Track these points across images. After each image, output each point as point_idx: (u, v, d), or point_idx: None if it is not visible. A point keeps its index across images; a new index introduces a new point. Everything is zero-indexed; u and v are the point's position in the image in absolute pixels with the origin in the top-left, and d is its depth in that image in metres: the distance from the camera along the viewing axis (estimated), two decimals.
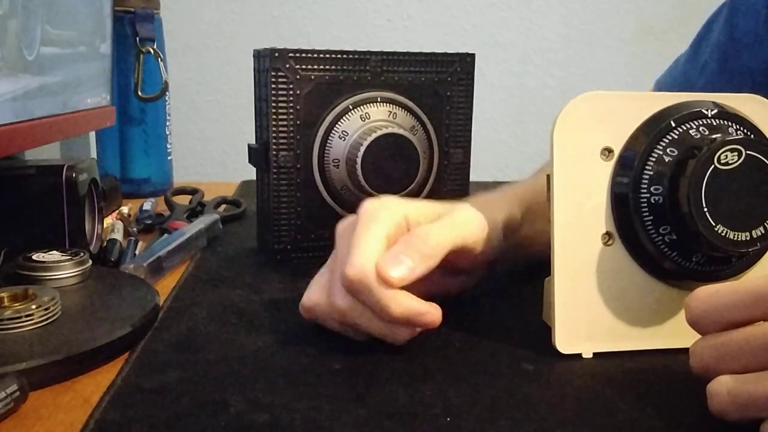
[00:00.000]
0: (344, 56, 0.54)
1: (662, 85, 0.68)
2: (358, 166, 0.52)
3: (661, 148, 0.37)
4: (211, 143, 1.20)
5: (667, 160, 0.37)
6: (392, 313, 0.37)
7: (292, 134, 0.54)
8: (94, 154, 0.94)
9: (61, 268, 0.45)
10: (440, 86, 0.56)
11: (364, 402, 0.33)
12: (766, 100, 0.40)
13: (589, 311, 0.39)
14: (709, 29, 0.64)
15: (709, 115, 0.38)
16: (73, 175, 0.52)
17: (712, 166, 0.35)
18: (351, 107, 0.54)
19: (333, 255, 0.41)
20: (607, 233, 0.39)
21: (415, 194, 0.55)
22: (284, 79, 0.53)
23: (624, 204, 0.38)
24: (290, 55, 0.53)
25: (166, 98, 0.88)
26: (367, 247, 0.38)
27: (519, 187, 0.52)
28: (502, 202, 0.48)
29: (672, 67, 0.69)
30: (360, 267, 0.37)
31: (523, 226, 0.49)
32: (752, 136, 0.38)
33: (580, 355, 0.39)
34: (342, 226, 0.42)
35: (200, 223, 0.62)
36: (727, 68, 0.60)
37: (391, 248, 0.38)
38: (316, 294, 0.41)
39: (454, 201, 0.45)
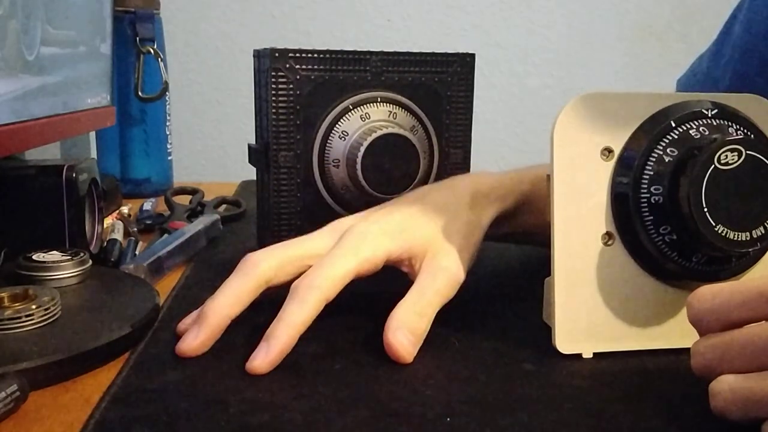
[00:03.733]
0: (344, 56, 0.54)
1: (685, 85, 0.67)
2: (358, 166, 0.52)
3: (661, 148, 0.37)
4: (211, 143, 1.20)
5: (667, 160, 0.37)
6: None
7: (292, 134, 0.54)
8: (94, 154, 0.94)
9: (61, 268, 0.45)
10: (440, 86, 0.56)
11: (364, 402, 0.33)
12: (766, 100, 0.40)
13: (589, 311, 0.39)
14: (731, 25, 0.63)
15: (709, 115, 0.38)
16: (73, 175, 0.52)
17: (712, 166, 0.35)
18: (351, 107, 0.54)
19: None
20: (607, 233, 0.39)
21: None
22: (284, 79, 0.53)
23: (624, 204, 0.38)
24: (290, 55, 0.53)
25: (166, 98, 0.88)
26: (339, 271, 0.39)
27: (523, 174, 0.51)
28: (500, 190, 0.48)
29: (695, 65, 0.68)
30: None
31: (516, 217, 0.49)
32: (752, 136, 0.38)
33: (580, 355, 0.39)
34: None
35: (200, 223, 0.62)
36: (747, 63, 0.59)
37: None
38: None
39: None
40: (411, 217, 0.44)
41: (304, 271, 0.40)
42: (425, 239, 0.42)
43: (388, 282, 0.42)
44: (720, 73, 0.63)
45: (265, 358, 0.36)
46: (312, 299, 0.38)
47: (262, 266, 0.40)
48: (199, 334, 0.38)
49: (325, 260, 0.40)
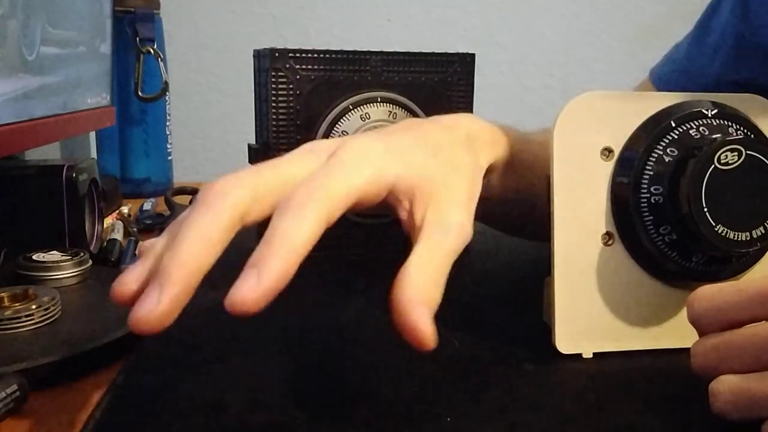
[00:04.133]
0: (344, 56, 0.54)
1: (662, 74, 0.66)
2: None
3: (661, 148, 0.37)
4: (211, 143, 1.20)
5: (667, 160, 0.37)
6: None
7: (292, 134, 0.54)
8: (94, 154, 0.94)
9: (61, 268, 0.45)
10: (440, 86, 0.56)
11: (365, 402, 0.33)
12: (766, 100, 0.40)
13: (589, 311, 0.39)
14: (714, 11, 0.63)
15: (709, 115, 0.38)
16: (73, 175, 0.52)
17: (712, 166, 0.35)
18: (351, 107, 0.54)
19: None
20: (607, 233, 0.39)
21: None
22: (284, 79, 0.53)
23: (624, 204, 0.38)
24: (290, 55, 0.53)
25: (166, 98, 0.88)
26: (342, 185, 0.29)
27: (509, 130, 0.45)
28: (492, 135, 0.42)
29: (671, 54, 0.67)
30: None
31: (498, 173, 0.44)
32: (752, 136, 0.38)
33: (580, 355, 0.39)
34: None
35: None
36: (743, 51, 0.59)
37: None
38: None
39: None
40: (414, 146, 0.34)
41: None
42: (430, 178, 0.33)
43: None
44: (707, 60, 0.62)
45: (256, 288, 0.26)
46: (311, 213, 0.28)
47: (233, 196, 0.29)
48: (162, 297, 0.26)
49: (319, 173, 0.30)
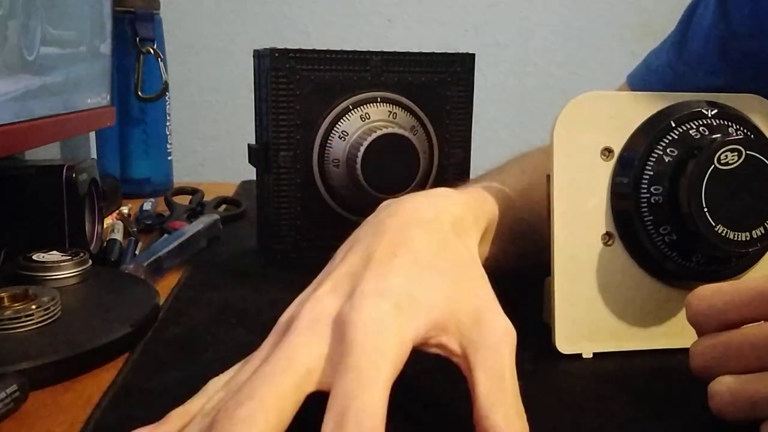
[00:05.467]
0: (344, 56, 0.54)
1: (641, 82, 0.64)
2: (358, 166, 0.52)
3: (661, 148, 0.37)
4: (211, 143, 1.20)
5: (667, 160, 0.37)
6: None
7: (292, 134, 0.54)
8: (94, 154, 0.94)
9: (61, 268, 0.45)
10: (440, 86, 0.56)
11: None
12: (766, 100, 0.40)
13: (589, 311, 0.39)
14: (691, 18, 0.62)
15: (709, 115, 0.38)
16: (73, 175, 0.52)
17: (712, 166, 0.35)
18: (351, 107, 0.54)
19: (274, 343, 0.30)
20: (607, 233, 0.39)
21: None
22: (284, 79, 0.53)
23: (624, 204, 0.38)
24: (290, 55, 0.53)
25: (166, 98, 0.88)
26: (377, 394, 0.26)
27: (483, 191, 0.42)
28: (473, 212, 0.39)
29: (648, 61, 0.65)
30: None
31: (483, 245, 0.40)
32: (752, 136, 0.38)
33: (580, 355, 0.39)
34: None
35: (200, 223, 0.62)
36: (726, 58, 0.58)
37: None
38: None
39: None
40: (414, 279, 0.31)
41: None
42: (446, 303, 0.30)
43: None
44: (689, 69, 0.60)
45: None
46: None
47: (259, 424, 0.25)
48: None
49: (349, 381, 0.26)
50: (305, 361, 0.27)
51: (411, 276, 0.31)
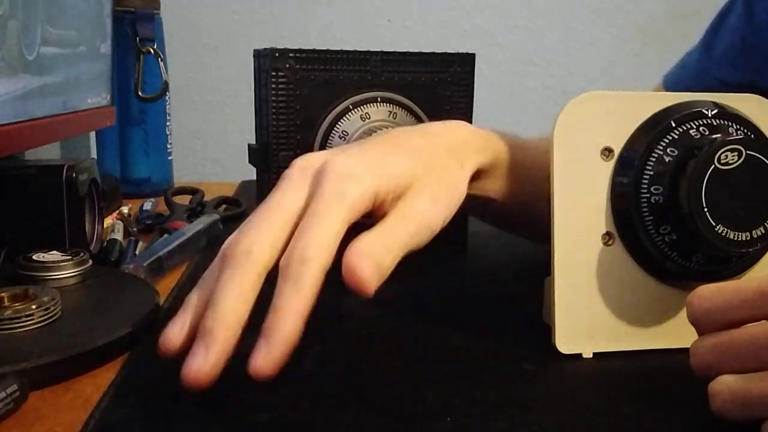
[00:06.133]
0: (344, 56, 0.54)
1: (674, 80, 0.67)
2: None
3: (661, 148, 0.37)
4: (211, 143, 1.20)
5: (667, 160, 0.37)
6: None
7: (292, 134, 0.54)
8: (94, 154, 0.94)
9: (61, 268, 0.45)
10: (440, 86, 0.56)
11: (364, 402, 0.33)
12: (766, 100, 0.40)
13: (589, 311, 0.39)
14: (722, 20, 0.64)
15: (709, 115, 0.38)
16: (73, 175, 0.52)
17: (712, 166, 0.35)
18: (351, 107, 0.54)
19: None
20: (607, 233, 0.39)
21: None
22: (284, 79, 0.53)
23: (624, 204, 0.38)
24: (290, 55, 0.53)
25: (166, 98, 0.88)
26: (329, 231, 0.32)
27: (500, 135, 0.47)
28: (478, 141, 0.44)
29: (684, 60, 0.68)
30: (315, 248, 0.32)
31: (485, 178, 0.46)
32: (752, 136, 0.38)
33: (580, 355, 0.39)
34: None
35: (200, 223, 0.62)
36: (749, 53, 0.60)
37: (372, 234, 0.33)
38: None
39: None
40: (391, 154, 0.38)
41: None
42: (408, 180, 0.36)
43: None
44: (714, 65, 0.63)
45: (267, 356, 0.30)
46: (308, 277, 0.31)
47: (255, 251, 0.32)
48: (208, 354, 0.30)
49: (309, 221, 0.33)
50: (293, 203, 0.34)
51: (388, 154, 0.37)
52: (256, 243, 0.33)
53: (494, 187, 0.47)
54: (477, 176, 0.43)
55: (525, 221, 0.50)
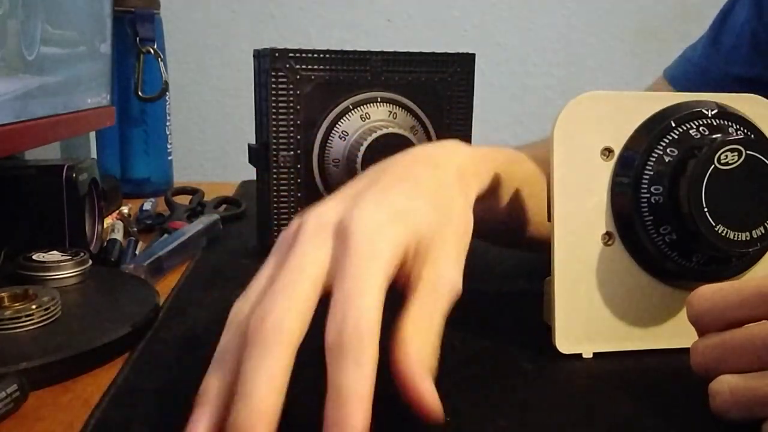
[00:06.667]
0: (344, 56, 0.54)
1: (678, 74, 0.67)
2: (358, 166, 0.52)
3: (661, 148, 0.37)
4: (211, 143, 1.20)
5: (667, 160, 0.37)
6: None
7: (292, 134, 0.54)
8: (94, 154, 0.94)
9: (61, 268, 0.45)
10: (440, 86, 0.56)
11: None
12: (766, 100, 0.40)
13: (589, 311, 0.39)
14: (729, 12, 0.64)
15: (709, 115, 0.38)
16: (73, 175, 0.52)
17: (712, 166, 0.35)
18: (351, 107, 0.54)
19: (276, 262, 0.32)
20: (607, 233, 0.39)
21: None
22: (284, 79, 0.53)
23: (624, 204, 0.38)
24: (290, 55, 0.53)
25: (166, 98, 0.88)
26: (373, 298, 0.29)
27: (496, 152, 0.45)
28: (478, 165, 0.42)
29: (686, 55, 0.68)
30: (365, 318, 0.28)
31: (483, 201, 0.42)
32: (752, 136, 0.38)
33: (580, 355, 0.39)
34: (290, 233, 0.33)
35: (200, 223, 0.62)
36: (760, 49, 0.60)
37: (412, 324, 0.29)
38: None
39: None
40: (413, 200, 0.34)
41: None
42: (428, 234, 0.33)
43: None
44: (722, 59, 0.63)
45: None
46: (369, 356, 0.27)
47: (286, 328, 0.28)
48: None
49: (349, 286, 0.29)
50: (316, 264, 0.30)
51: (410, 199, 0.34)
52: (286, 318, 0.28)
53: (491, 206, 0.44)
54: (478, 199, 0.41)
55: (521, 239, 0.49)
